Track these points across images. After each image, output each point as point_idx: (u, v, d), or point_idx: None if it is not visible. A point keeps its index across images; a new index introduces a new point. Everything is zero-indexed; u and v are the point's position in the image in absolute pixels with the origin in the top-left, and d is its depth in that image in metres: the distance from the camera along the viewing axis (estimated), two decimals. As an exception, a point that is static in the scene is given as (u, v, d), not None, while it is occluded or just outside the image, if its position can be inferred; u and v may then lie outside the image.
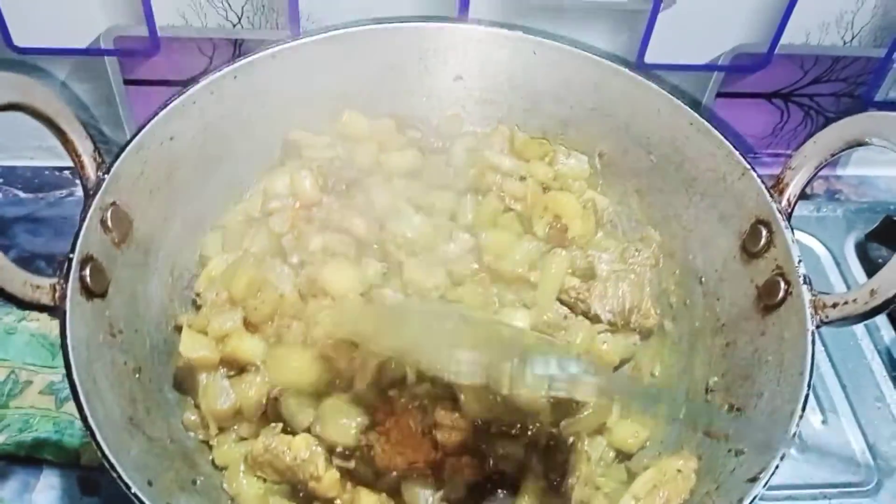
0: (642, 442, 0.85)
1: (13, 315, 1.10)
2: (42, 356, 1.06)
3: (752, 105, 1.24)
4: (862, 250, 1.18)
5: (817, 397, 1.04)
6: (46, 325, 1.07)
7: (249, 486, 0.78)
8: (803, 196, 1.24)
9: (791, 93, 1.23)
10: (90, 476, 0.97)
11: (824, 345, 1.09)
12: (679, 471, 0.75)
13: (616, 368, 0.91)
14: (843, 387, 1.05)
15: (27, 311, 1.08)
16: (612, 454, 0.84)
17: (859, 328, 1.11)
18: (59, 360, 0.97)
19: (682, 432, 0.83)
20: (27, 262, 1.12)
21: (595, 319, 0.91)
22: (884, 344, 1.10)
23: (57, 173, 1.24)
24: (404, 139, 0.99)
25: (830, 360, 1.08)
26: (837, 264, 1.17)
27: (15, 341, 1.07)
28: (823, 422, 1.02)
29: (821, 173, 1.29)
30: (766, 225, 0.83)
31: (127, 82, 1.14)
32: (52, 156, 1.21)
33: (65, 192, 1.23)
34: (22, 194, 1.22)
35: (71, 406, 1.03)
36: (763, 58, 1.15)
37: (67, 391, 1.02)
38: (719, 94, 1.22)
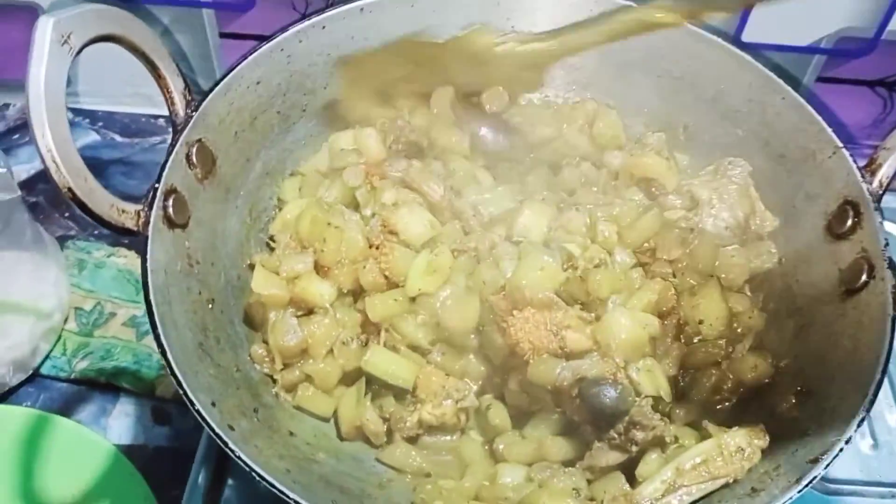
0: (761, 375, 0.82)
1: (103, 250, 1.16)
2: (127, 291, 1.11)
3: (853, 92, 1.19)
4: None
5: (895, 393, 1.00)
6: (133, 261, 1.13)
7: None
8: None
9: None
10: (163, 407, 1.02)
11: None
12: (741, 448, 0.72)
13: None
14: (922, 385, 1.01)
15: (116, 248, 1.14)
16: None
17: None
18: (141, 296, 1.02)
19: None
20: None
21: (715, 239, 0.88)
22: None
23: (153, 120, 1.29)
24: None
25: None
26: (935, 263, 1.11)
27: (103, 275, 1.13)
28: (900, 419, 0.98)
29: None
30: (855, 206, 0.80)
31: (223, 35, 1.18)
32: (149, 103, 1.26)
33: (158, 138, 1.28)
34: (119, 138, 1.28)
35: (150, 339, 1.05)
36: (868, 43, 1.10)
37: (148, 326, 1.08)
38: (819, 79, 1.17)
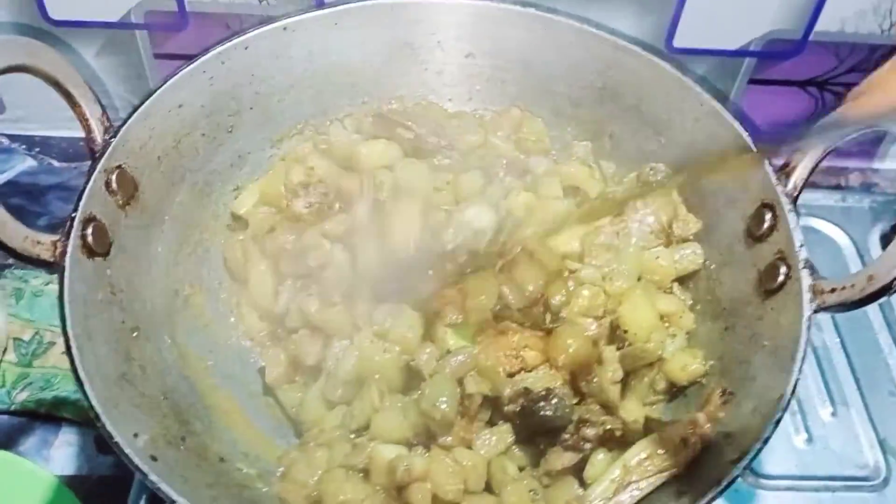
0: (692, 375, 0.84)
1: (41, 278, 1.14)
2: (65, 319, 1.09)
3: (785, 93, 1.21)
4: (887, 242, 1.14)
5: (828, 389, 1.02)
6: (71, 288, 1.11)
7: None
8: (834, 184, 1.24)
9: (826, 81, 1.20)
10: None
11: (839, 336, 1.07)
12: (684, 439, 0.73)
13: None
14: (857, 380, 1.03)
15: (55, 275, 1.12)
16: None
17: (878, 320, 1.08)
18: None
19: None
20: (58, 228, 1.16)
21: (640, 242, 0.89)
22: (903, 339, 1.07)
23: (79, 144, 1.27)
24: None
25: (845, 351, 1.06)
26: (860, 255, 1.14)
27: (41, 303, 1.11)
28: (833, 414, 1.00)
29: (856, 165, 1.30)
30: (771, 208, 0.81)
31: (157, 56, 1.17)
32: (87, 127, 1.24)
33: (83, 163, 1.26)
34: (56, 163, 1.26)
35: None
36: (797, 44, 1.12)
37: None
38: (751, 81, 1.19)
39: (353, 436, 0.81)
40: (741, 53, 1.14)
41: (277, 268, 0.91)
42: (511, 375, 0.80)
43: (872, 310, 1.09)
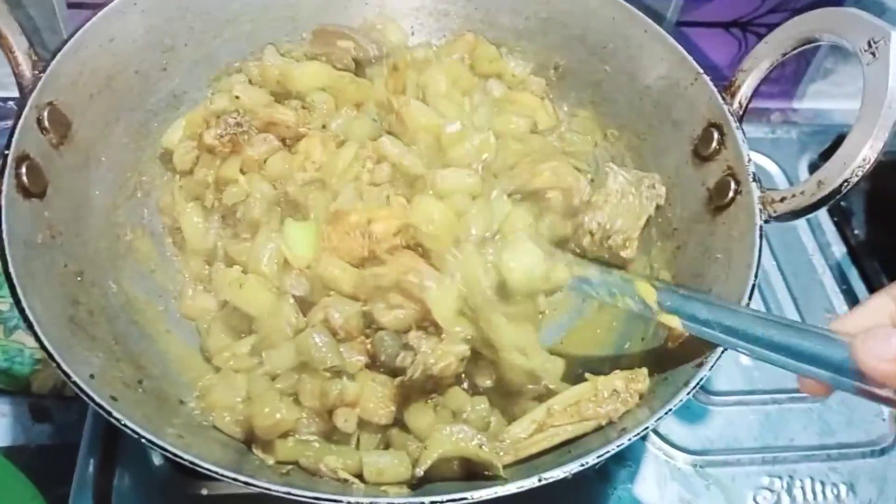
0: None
1: (-44, 243, 1.07)
2: (-13, 284, 1.03)
3: (711, 35, 1.24)
4: (815, 170, 1.19)
5: (768, 309, 1.06)
6: (-8, 254, 1.05)
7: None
8: (757, 120, 1.29)
9: (749, 22, 1.23)
10: (41, 403, 0.96)
11: (776, 260, 1.11)
12: (616, 391, 0.72)
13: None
14: (794, 299, 1.08)
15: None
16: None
17: (811, 243, 1.13)
18: (6, 290, 0.95)
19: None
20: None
21: (579, 225, 0.88)
22: (835, 259, 1.13)
23: (1, 104, 1.20)
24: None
25: (782, 273, 1.10)
26: (791, 183, 1.19)
27: (-40, 270, 1.04)
28: (774, 332, 1.04)
29: (777, 106, 1.35)
30: (718, 128, 0.83)
31: (70, 6, 1.10)
32: (-2, 86, 1.17)
33: (7, 123, 1.19)
34: (-36, 118, 1.19)
35: (20, 335, 1.01)
36: (722, -16, 1.14)
37: (15, 320, 1.00)
38: (679, 23, 1.21)
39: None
40: (670, -7, 1.16)
41: (203, 205, 0.87)
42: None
43: (805, 233, 1.14)
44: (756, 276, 0.72)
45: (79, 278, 0.74)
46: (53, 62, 0.76)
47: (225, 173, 0.84)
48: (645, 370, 0.74)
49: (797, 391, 0.98)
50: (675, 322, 0.71)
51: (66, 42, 0.77)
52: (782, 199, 0.75)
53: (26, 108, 0.73)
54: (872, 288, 1.09)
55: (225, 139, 0.84)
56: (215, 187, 0.86)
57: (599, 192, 0.88)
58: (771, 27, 1.20)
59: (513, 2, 0.98)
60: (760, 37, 1.24)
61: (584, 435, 0.72)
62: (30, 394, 0.96)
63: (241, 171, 0.85)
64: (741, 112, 0.83)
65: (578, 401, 0.73)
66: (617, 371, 0.74)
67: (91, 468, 0.84)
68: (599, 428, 0.71)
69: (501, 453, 0.70)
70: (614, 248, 0.87)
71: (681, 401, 0.64)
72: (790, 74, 1.33)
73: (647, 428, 0.64)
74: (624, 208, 0.86)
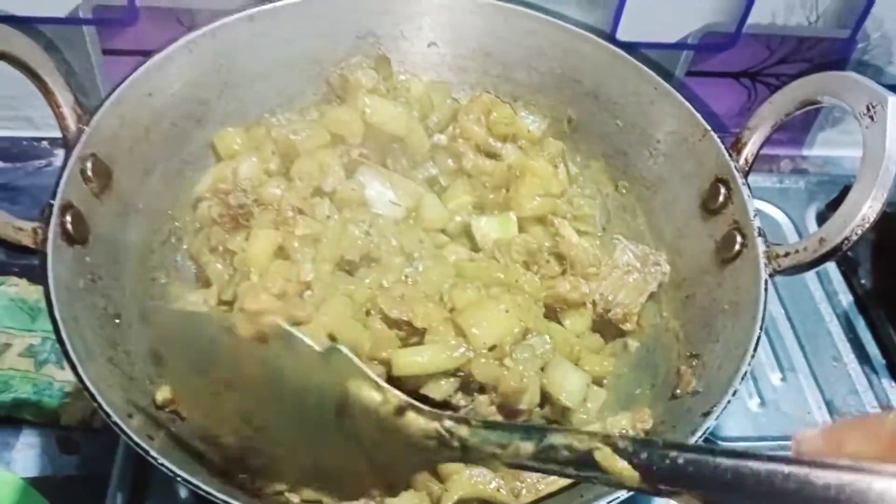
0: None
1: (-7, 281, 1.11)
2: (21, 320, 1.07)
3: (720, 84, 1.27)
4: (822, 220, 1.23)
5: (777, 356, 1.09)
6: (25, 290, 1.08)
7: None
8: (767, 169, 1.32)
9: (758, 72, 1.26)
10: (69, 436, 0.99)
11: (784, 308, 1.14)
12: (623, 430, 0.77)
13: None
14: (802, 347, 1.10)
15: (6, 276, 1.09)
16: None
17: (818, 291, 1.15)
18: (38, 324, 0.97)
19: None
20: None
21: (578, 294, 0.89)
22: (842, 308, 1.15)
23: (35, 143, 1.24)
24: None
25: (790, 321, 1.13)
26: (798, 233, 1.21)
27: (-5, 305, 1.08)
28: (782, 379, 1.06)
29: (787, 153, 1.38)
30: (725, 183, 0.87)
31: (105, 52, 1.15)
32: (31, 126, 1.21)
33: (43, 161, 1.23)
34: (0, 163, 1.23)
35: (50, 368, 1.05)
36: (731, 37, 1.18)
37: (46, 354, 1.04)
38: (689, 73, 1.25)
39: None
40: (679, 46, 1.20)
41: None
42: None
43: (813, 282, 1.17)
44: (761, 329, 0.75)
45: (117, 321, 0.78)
46: (96, 116, 0.81)
47: (229, 246, 0.86)
48: (648, 410, 0.78)
49: (805, 438, 1.01)
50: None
51: (108, 97, 0.82)
52: (786, 255, 0.78)
53: (71, 160, 0.77)
54: (878, 337, 1.11)
55: (225, 218, 0.87)
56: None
57: (605, 263, 0.91)
58: (779, 77, 1.26)
59: (529, 58, 1.02)
60: (769, 86, 1.30)
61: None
62: (58, 426, 0.99)
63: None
64: (747, 168, 0.86)
65: None
66: (621, 412, 0.77)
67: (119, 502, 0.87)
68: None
69: (523, 492, 0.73)
70: (614, 322, 0.90)
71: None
72: (799, 122, 1.35)
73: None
74: (628, 283, 0.89)
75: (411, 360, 0.75)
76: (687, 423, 0.73)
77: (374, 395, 0.60)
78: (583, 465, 0.50)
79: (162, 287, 0.88)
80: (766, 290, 0.77)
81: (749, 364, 0.73)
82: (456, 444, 0.57)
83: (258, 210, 0.85)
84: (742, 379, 0.72)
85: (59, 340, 0.66)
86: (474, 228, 0.93)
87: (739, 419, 1.02)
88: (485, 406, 0.79)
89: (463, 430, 0.57)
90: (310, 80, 1.01)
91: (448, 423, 0.57)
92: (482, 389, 0.79)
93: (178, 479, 0.61)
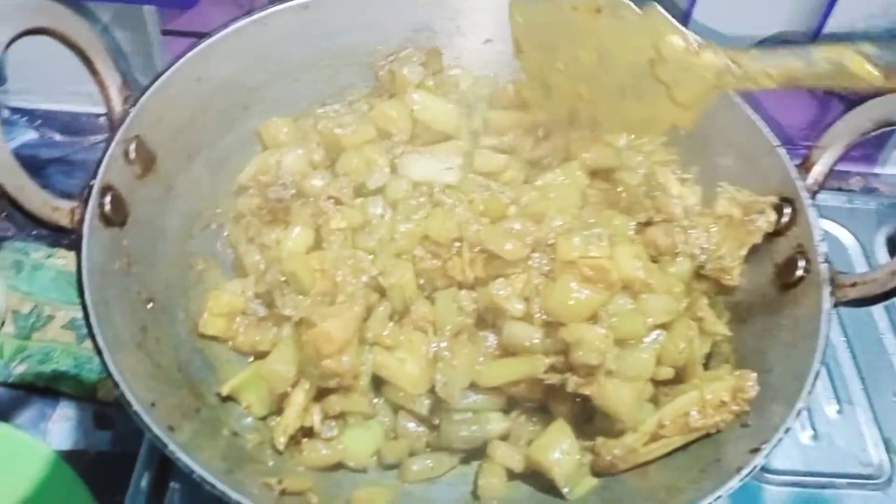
0: None
1: (42, 251, 1.13)
2: (66, 292, 1.08)
3: (793, 95, 1.22)
4: (893, 244, 1.16)
5: (834, 387, 1.03)
6: (73, 263, 1.09)
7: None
8: (836, 186, 1.26)
9: (832, 84, 1.20)
10: (105, 411, 1.00)
11: (846, 336, 1.08)
12: (723, 402, 0.73)
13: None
14: (862, 379, 1.03)
15: (55, 248, 1.11)
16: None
17: (883, 321, 1.09)
18: (80, 296, 0.97)
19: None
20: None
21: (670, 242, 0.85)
22: (907, 340, 1.08)
23: (94, 119, 1.26)
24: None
25: (851, 351, 1.06)
26: (866, 256, 1.15)
27: (41, 277, 1.10)
28: (839, 412, 1.01)
29: (858, 171, 1.31)
30: (791, 203, 0.82)
31: (165, 32, 1.16)
32: (91, 102, 1.22)
33: (100, 137, 1.25)
34: (58, 137, 1.25)
35: (89, 342, 1.06)
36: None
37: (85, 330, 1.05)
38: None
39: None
40: (749, 53, 1.15)
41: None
42: None
43: (878, 312, 1.10)
44: (821, 363, 0.70)
45: (149, 306, 0.77)
46: (143, 98, 0.80)
47: (264, 241, 0.86)
48: (754, 375, 0.74)
49: (857, 476, 0.95)
50: None
51: (155, 80, 0.81)
52: (853, 285, 0.73)
53: (114, 141, 0.76)
54: (946, 373, 1.04)
55: (264, 211, 0.86)
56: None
57: (705, 212, 0.87)
58: (855, 90, 1.19)
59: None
60: (843, 99, 1.23)
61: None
62: (95, 400, 1.00)
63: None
64: (816, 189, 0.81)
65: (687, 411, 0.74)
66: (725, 377, 0.75)
67: (145, 481, 0.86)
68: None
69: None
70: (712, 276, 0.86)
71: (731, 488, 0.63)
72: (873, 138, 1.28)
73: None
74: (729, 235, 0.85)
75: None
76: (734, 458, 0.68)
77: (680, 41, 0.74)
78: (839, 75, 0.66)
79: (198, 274, 0.87)
80: (828, 322, 0.72)
81: (804, 401, 0.68)
82: (738, 70, 0.71)
83: (298, 204, 0.83)
84: (797, 416, 0.67)
85: (88, 324, 0.66)
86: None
87: (789, 451, 0.96)
88: None
89: (743, 59, 0.71)
90: (361, 72, 0.99)
91: (731, 53, 0.72)
92: None
93: (196, 475, 0.60)
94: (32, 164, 1.23)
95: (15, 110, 1.25)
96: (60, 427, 1.01)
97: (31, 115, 1.25)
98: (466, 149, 0.92)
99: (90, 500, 0.93)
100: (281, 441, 0.77)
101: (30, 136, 1.25)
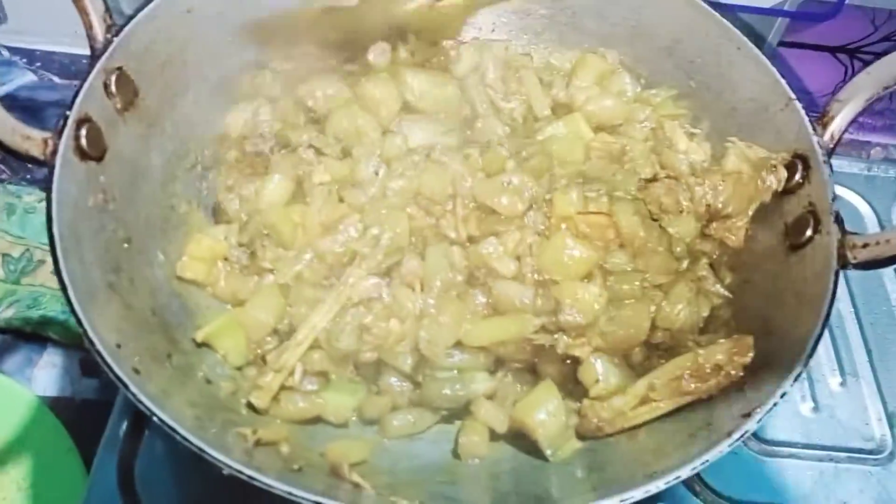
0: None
1: (35, 195, 1.11)
2: (57, 237, 1.06)
3: (815, 58, 1.18)
4: (911, 215, 1.12)
5: (839, 359, 0.99)
6: (66, 206, 1.08)
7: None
8: (856, 154, 1.21)
9: (858, 48, 1.16)
10: (92, 358, 0.97)
11: (854, 307, 1.04)
12: (718, 366, 0.70)
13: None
14: (869, 351, 1.00)
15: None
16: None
17: (895, 292, 1.04)
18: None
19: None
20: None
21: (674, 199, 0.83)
22: (920, 312, 1.04)
23: (82, 61, 1.23)
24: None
25: (859, 322, 1.03)
26: (882, 227, 1.10)
27: (33, 221, 1.08)
28: (842, 384, 0.98)
29: (879, 141, 1.26)
30: (804, 159, 0.78)
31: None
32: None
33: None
34: (57, 80, 1.23)
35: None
36: (833, 7, 1.07)
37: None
38: (781, 44, 1.15)
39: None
40: (775, 13, 1.10)
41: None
42: None
43: (891, 282, 1.06)
44: (825, 326, 0.66)
45: (126, 245, 0.74)
46: (127, 27, 0.76)
47: (243, 192, 0.84)
48: (750, 339, 0.71)
49: (858, 451, 0.92)
50: None
51: (140, 9, 0.78)
52: (864, 246, 0.69)
53: (94, 71, 0.73)
54: (958, 348, 1.00)
55: (243, 164, 0.84)
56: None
57: (713, 169, 0.84)
58: (881, 56, 1.13)
59: (601, 6, 0.94)
60: (867, 64, 1.18)
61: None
62: (82, 348, 0.98)
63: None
64: (832, 146, 0.76)
65: (680, 375, 0.71)
66: (721, 340, 0.72)
67: (121, 431, 0.85)
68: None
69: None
70: (716, 237, 0.82)
71: (720, 452, 0.60)
72: (896, 108, 1.25)
73: (679, 477, 0.60)
74: (737, 192, 0.81)
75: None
76: (725, 422, 0.65)
77: None
78: None
79: (181, 216, 0.83)
80: (835, 283, 0.68)
81: (804, 365, 0.64)
82: None
83: (278, 155, 0.81)
84: (795, 381, 0.63)
85: (54, 259, 0.63)
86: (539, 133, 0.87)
87: (788, 422, 0.93)
88: None
89: None
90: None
91: None
92: None
93: (156, 418, 0.57)
94: (30, 107, 1.22)
95: (14, 50, 1.22)
96: (47, 373, 1.01)
97: (31, 57, 1.23)
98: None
99: (71, 446, 0.92)
100: (260, 401, 0.75)
101: (28, 77, 1.23)
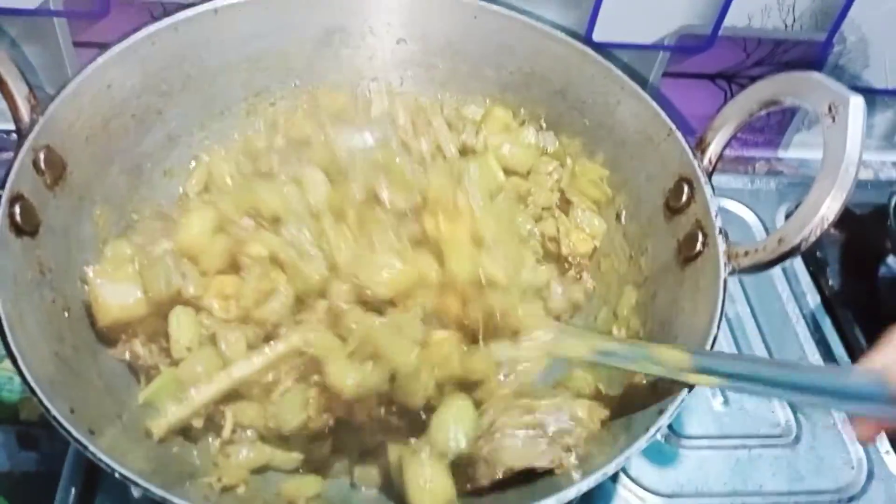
0: None
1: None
2: (-17, 313, 1.05)
3: (696, 85, 1.27)
4: (791, 219, 1.22)
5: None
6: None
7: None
8: (742, 170, 1.32)
9: (734, 74, 1.26)
10: (29, 431, 0.97)
11: (751, 307, 1.13)
12: (580, 417, 0.75)
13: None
14: (768, 347, 1.09)
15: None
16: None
17: (785, 292, 1.15)
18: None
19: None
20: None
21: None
22: (809, 308, 1.14)
23: (4, 136, 1.23)
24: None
25: (756, 321, 1.12)
26: (767, 232, 1.21)
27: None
28: (748, 379, 1.06)
29: (762, 155, 1.38)
30: (689, 182, 0.86)
31: (76, 44, 1.14)
32: (4, 119, 1.19)
33: (10, 154, 1.22)
34: (-19, 156, 1.22)
35: (8, 364, 1.03)
36: (706, 39, 1.18)
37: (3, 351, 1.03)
38: (665, 74, 1.24)
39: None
40: (655, 47, 1.20)
41: None
42: None
43: (780, 282, 1.16)
44: (718, 328, 0.74)
45: (66, 314, 0.77)
46: (51, 107, 0.79)
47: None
48: (601, 405, 0.76)
49: (767, 437, 1.01)
50: (711, 381, 0.71)
51: (62, 88, 0.81)
52: (746, 254, 0.78)
53: (22, 151, 0.76)
54: (845, 337, 1.10)
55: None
56: None
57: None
58: (755, 79, 1.24)
59: (499, 56, 1.01)
60: (745, 88, 1.29)
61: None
62: (18, 422, 0.98)
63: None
64: (711, 168, 0.86)
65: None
66: (581, 399, 0.76)
67: (71, 499, 0.85)
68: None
69: None
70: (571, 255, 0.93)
71: (639, 447, 0.66)
72: (776, 124, 1.35)
73: (605, 473, 0.66)
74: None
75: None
76: (644, 419, 0.72)
77: None
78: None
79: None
80: (724, 289, 0.77)
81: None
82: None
83: None
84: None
85: (3, 336, 0.65)
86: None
87: (703, 418, 1.01)
88: None
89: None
90: (275, 75, 1.00)
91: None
92: None
93: (118, 474, 0.60)
94: (-60, 184, 1.20)
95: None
96: (-17, 450, 0.98)
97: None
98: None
99: (16, 520, 0.91)
100: (157, 429, 0.75)
101: (-60, 153, 1.21)
